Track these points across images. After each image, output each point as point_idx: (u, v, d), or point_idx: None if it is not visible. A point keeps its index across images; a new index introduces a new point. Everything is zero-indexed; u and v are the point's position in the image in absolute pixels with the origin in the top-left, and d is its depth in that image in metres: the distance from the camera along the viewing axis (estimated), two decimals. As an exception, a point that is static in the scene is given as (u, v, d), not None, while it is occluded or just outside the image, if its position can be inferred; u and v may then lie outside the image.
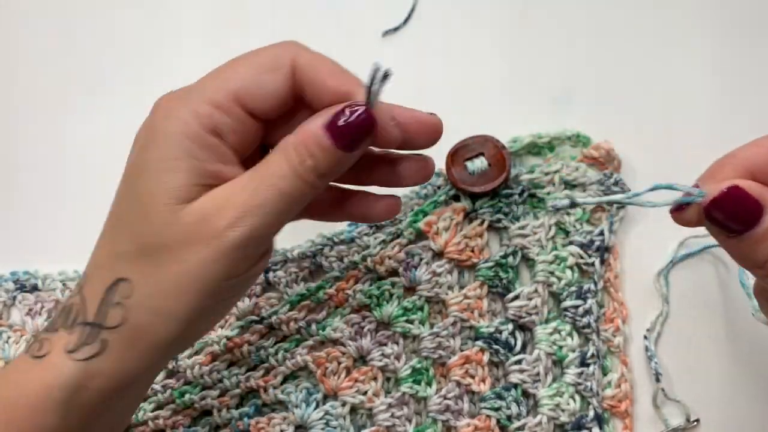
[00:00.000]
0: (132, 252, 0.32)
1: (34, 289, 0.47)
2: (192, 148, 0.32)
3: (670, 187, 0.31)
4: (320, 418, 0.42)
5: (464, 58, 0.50)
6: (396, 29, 0.50)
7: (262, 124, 0.34)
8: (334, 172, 0.33)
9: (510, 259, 0.44)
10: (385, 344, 0.43)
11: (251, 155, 0.35)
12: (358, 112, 0.32)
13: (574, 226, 0.45)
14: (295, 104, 0.34)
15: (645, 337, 0.44)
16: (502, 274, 0.44)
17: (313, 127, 0.32)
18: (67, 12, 0.53)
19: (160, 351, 0.33)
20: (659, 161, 0.47)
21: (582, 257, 0.44)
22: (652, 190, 0.31)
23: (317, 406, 0.43)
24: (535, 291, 0.44)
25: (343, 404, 0.43)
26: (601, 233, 0.44)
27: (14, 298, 0.46)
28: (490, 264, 0.44)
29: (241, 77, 0.33)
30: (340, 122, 0.31)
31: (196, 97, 0.33)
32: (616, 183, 0.45)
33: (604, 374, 0.43)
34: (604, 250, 0.44)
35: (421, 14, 0.50)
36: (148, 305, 0.31)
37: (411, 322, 0.44)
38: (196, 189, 0.32)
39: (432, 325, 0.44)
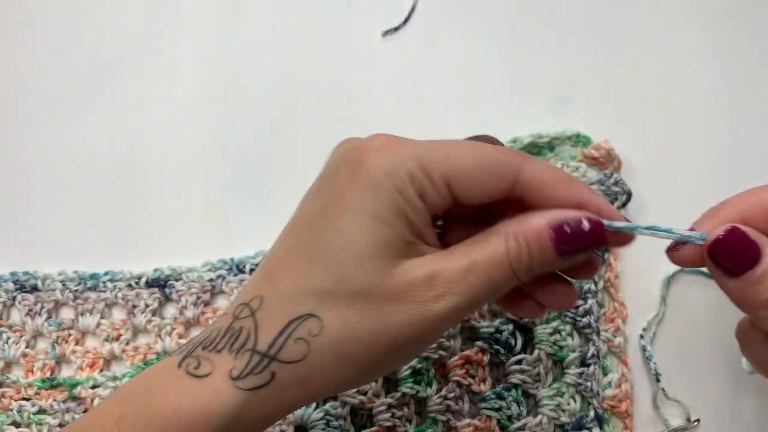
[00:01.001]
0: (331, 292, 0.30)
1: (34, 289, 0.47)
2: (404, 206, 0.31)
3: (669, 231, 0.32)
4: (320, 419, 0.42)
5: (464, 58, 0.50)
6: (396, 29, 0.50)
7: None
8: (542, 272, 0.32)
9: None
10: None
11: None
12: (591, 222, 0.31)
13: None
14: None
15: (641, 337, 0.44)
16: None
17: (541, 224, 0.31)
18: (68, 11, 0.53)
19: (325, 394, 0.33)
20: (659, 161, 0.47)
21: None
22: (650, 232, 0.32)
23: (317, 407, 0.43)
24: None
25: (344, 404, 0.43)
26: None
27: (14, 298, 0.46)
28: None
29: (462, 164, 0.31)
30: (567, 228, 0.31)
31: (411, 157, 0.31)
32: (616, 183, 0.45)
33: (605, 374, 0.43)
34: (604, 251, 0.44)
35: (421, 14, 0.50)
36: (336, 349, 0.30)
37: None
38: (406, 248, 0.31)
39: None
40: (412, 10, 0.45)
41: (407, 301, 0.30)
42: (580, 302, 0.43)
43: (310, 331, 0.30)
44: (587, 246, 0.31)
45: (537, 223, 0.31)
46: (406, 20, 0.45)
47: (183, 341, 0.45)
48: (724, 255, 0.31)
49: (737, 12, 0.50)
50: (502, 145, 0.45)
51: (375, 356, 0.31)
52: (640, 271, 0.45)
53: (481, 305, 0.33)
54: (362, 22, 0.51)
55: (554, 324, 0.43)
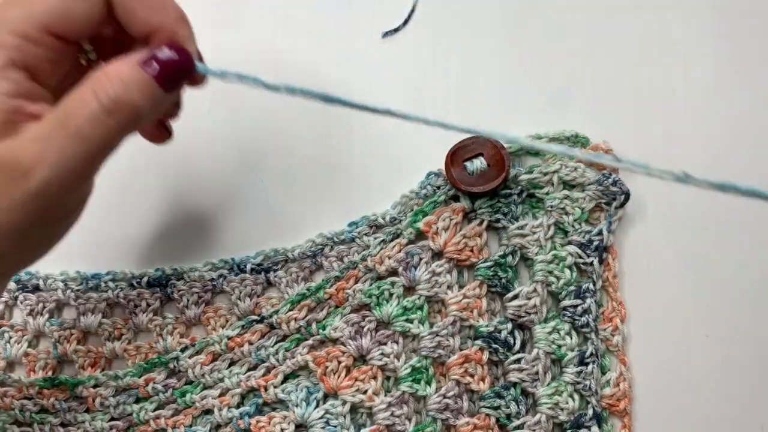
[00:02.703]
0: None
1: (36, 289, 0.47)
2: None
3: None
4: (320, 417, 0.42)
5: (464, 59, 0.50)
6: (396, 30, 0.50)
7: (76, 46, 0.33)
8: (153, 111, 0.32)
9: (509, 258, 0.45)
10: (385, 343, 0.44)
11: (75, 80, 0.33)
12: (177, 51, 0.32)
13: (573, 226, 0.45)
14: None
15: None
16: (501, 274, 0.44)
17: (127, 62, 0.31)
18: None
19: None
20: (657, 161, 0.47)
21: (581, 257, 0.44)
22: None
23: (317, 405, 0.43)
24: (534, 290, 0.44)
25: (344, 403, 0.43)
26: (600, 233, 0.45)
27: (16, 298, 0.47)
28: (489, 264, 0.44)
29: (48, 4, 0.31)
30: (159, 58, 0.31)
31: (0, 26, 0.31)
32: (614, 183, 0.45)
33: (603, 373, 0.44)
34: (602, 250, 0.45)
35: (421, 15, 0.50)
36: None
37: (411, 321, 0.44)
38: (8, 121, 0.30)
39: (431, 325, 0.44)
40: (412, 10, 0.45)
41: (3, 184, 0.30)
42: (578, 301, 0.44)
43: None
44: (178, 71, 0.32)
45: (127, 60, 0.31)
46: (406, 21, 0.45)
47: (185, 340, 0.45)
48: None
49: (737, 12, 0.50)
50: (502, 146, 0.45)
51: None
52: (638, 270, 0.46)
53: (95, 165, 0.32)
54: (362, 22, 0.51)
55: (553, 323, 0.44)
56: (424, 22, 0.51)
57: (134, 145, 0.51)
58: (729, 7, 0.50)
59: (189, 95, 0.52)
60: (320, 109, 0.51)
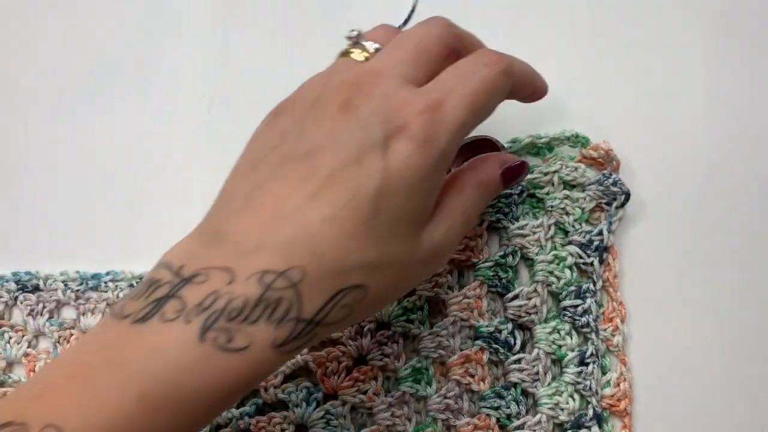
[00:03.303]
0: (375, 265, 0.33)
1: (36, 289, 0.47)
2: (444, 177, 0.37)
3: None
4: (321, 417, 0.42)
5: (464, 59, 0.50)
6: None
7: None
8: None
9: (509, 258, 0.45)
10: (385, 344, 0.44)
11: None
12: (519, 161, 0.41)
13: (573, 226, 0.45)
14: None
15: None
16: (501, 274, 0.44)
17: (495, 172, 0.40)
18: (68, 11, 0.53)
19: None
20: (658, 161, 0.47)
21: (581, 257, 0.44)
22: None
23: (318, 406, 0.43)
24: (535, 290, 0.44)
25: (344, 403, 0.43)
26: (600, 233, 0.45)
27: (16, 298, 0.46)
28: (490, 264, 0.44)
29: (485, 113, 0.38)
30: (508, 167, 0.40)
31: (461, 131, 0.36)
32: (614, 183, 0.45)
33: (603, 373, 0.44)
34: (603, 250, 0.45)
35: (421, 14, 0.50)
36: (372, 307, 0.34)
37: (411, 321, 0.44)
38: (427, 211, 0.35)
39: (432, 325, 0.44)
40: (412, 10, 0.45)
41: (430, 264, 0.37)
42: (579, 302, 0.44)
43: (355, 298, 0.32)
44: (520, 177, 0.41)
45: (493, 170, 0.40)
46: (406, 20, 0.45)
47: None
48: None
49: (737, 12, 0.50)
50: (502, 145, 0.45)
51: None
52: (639, 270, 0.46)
53: None
54: (362, 22, 0.51)
55: (553, 323, 0.44)
56: (424, 22, 0.50)
57: (134, 145, 0.51)
58: (729, 6, 0.50)
59: (189, 95, 0.52)
60: (320, 109, 0.51)
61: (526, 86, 0.40)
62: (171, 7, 0.53)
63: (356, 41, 0.39)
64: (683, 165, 0.47)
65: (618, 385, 0.43)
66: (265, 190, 0.33)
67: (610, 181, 0.45)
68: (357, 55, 0.38)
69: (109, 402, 0.28)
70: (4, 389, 0.45)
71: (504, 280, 0.44)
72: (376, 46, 0.39)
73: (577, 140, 0.46)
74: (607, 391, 0.43)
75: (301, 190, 0.32)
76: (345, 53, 0.39)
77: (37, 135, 0.51)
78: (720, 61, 0.49)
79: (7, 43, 0.53)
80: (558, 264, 0.44)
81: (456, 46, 0.39)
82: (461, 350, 0.44)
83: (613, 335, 0.44)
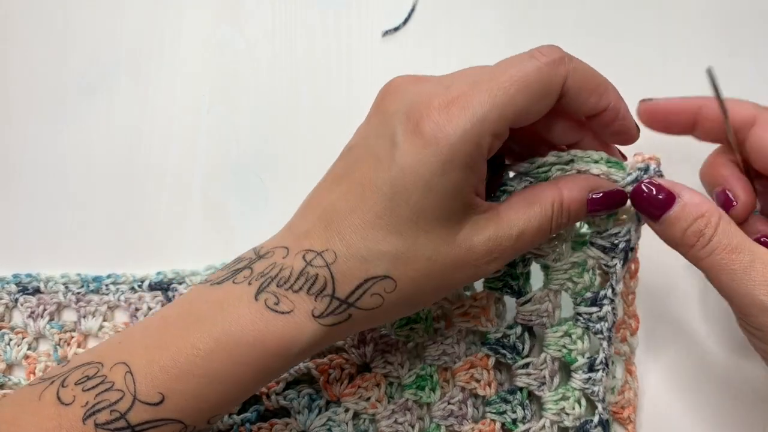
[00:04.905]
0: (402, 256, 0.34)
1: (36, 291, 0.47)
2: (472, 177, 0.34)
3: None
4: (323, 424, 0.42)
5: (464, 58, 0.49)
6: (396, 29, 0.50)
7: None
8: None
9: (520, 266, 0.42)
10: (389, 351, 0.43)
11: None
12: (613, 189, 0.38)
13: (598, 226, 0.41)
14: None
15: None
16: (512, 282, 0.42)
17: (584, 196, 0.37)
18: (68, 11, 0.53)
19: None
20: (662, 167, 0.46)
21: (603, 259, 0.41)
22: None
23: (320, 412, 0.43)
24: (547, 295, 0.42)
25: (346, 410, 0.42)
26: (626, 234, 0.41)
27: (16, 300, 0.46)
28: (500, 274, 0.42)
29: (518, 107, 0.34)
30: (597, 196, 0.38)
31: (479, 125, 0.33)
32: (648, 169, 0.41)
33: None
34: (627, 252, 0.41)
35: (421, 14, 0.50)
36: (405, 301, 0.35)
37: (415, 329, 0.43)
38: (466, 211, 0.35)
39: (436, 332, 0.43)
40: (412, 10, 0.44)
41: (467, 265, 0.35)
42: (595, 309, 0.42)
43: (385, 289, 0.34)
44: (612, 208, 0.38)
45: (580, 195, 0.37)
46: (406, 20, 0.44)
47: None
48: (642, 203, 0.38)
49: (738, 12, 0.50)
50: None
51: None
52: (643, 275, 0.45)
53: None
54: (362, 22, 0.50)
55: (565, 327, 0.42)
56: (424, 22, 0.50)
57: (134, 146, 0.50)
58: (730, 6, 0.50)
59: (189, 95, 0.51)
60: (320, 108, 0.51)
61: (585, 91, 0.36)
62: (171, 7, 0.52)
63: None
64: (683, 164, 0.46)
65: (622, 392, 0.43)
66: (319, 188, 0.37)
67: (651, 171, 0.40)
68: None
69: (172, 343, 0.33)
70: (3, 391, 0.45)
71: (515, 286, 0.42)
72: None
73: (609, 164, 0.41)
74: (611, 398, 0.43)
75: (337, 184, 0.36)
76: None
77: (37, 137, 0.50)
78: (721, 60, 0.48)
79: (8, 44, 0.52)
80: (577, 268, 0.42)
81: None
82: (466, 356, 0.43)
83: (622, 344, 0.43)
